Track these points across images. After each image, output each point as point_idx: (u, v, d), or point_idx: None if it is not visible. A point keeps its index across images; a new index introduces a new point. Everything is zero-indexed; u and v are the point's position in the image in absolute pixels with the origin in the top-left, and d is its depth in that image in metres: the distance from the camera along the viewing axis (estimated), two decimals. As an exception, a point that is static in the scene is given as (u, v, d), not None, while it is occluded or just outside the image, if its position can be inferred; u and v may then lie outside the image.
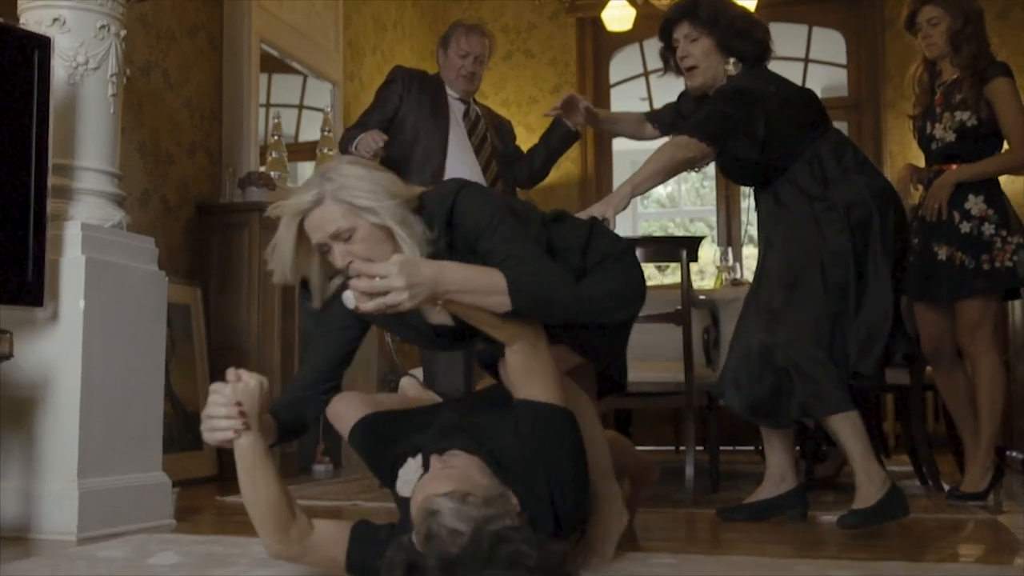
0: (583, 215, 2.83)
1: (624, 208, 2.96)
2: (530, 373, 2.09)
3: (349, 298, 2.02)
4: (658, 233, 9.69)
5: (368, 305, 1.99)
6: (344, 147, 4.03)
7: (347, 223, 2.11)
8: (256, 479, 2.02)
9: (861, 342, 3.07)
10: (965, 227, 3.75)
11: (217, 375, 4.74)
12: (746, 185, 3.15)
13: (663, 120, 3.64)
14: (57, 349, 3.08)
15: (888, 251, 3.12)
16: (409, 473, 2.15)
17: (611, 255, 2.44)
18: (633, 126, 3.75)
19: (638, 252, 3.92)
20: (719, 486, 4.13)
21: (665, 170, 3.08)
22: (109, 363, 3.17)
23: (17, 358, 2.88)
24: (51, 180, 3.02)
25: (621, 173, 8.29)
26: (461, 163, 3.95)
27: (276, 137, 5.49)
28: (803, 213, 3.19)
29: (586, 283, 2.34)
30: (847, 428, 3.00)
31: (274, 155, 5.41)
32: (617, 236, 2.63)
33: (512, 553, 1.81)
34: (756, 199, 3.45)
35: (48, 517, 3.02)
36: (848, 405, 3.00)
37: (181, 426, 4.49)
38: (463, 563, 1.80)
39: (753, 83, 3.22)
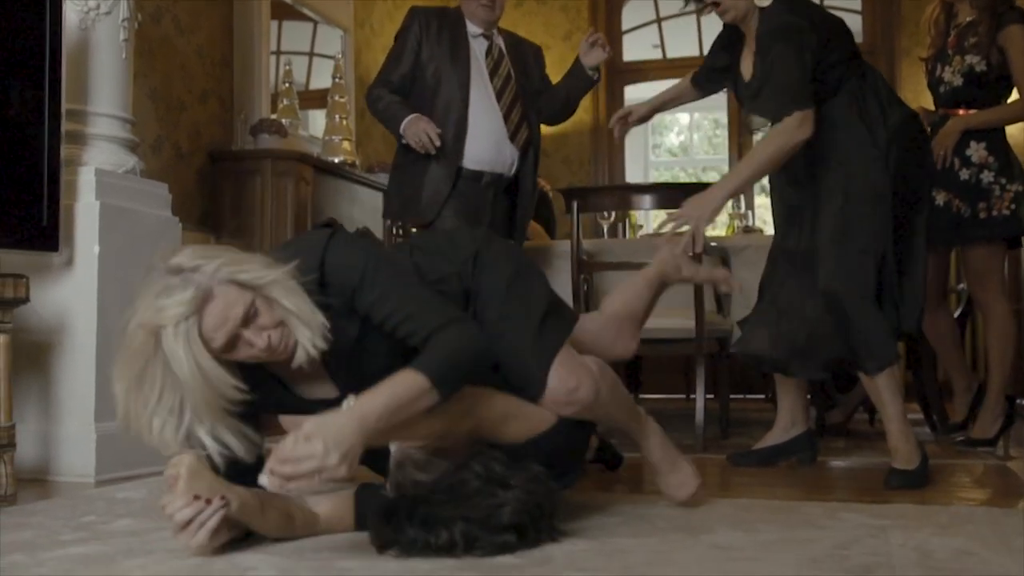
0: (669, 228, 2.86)
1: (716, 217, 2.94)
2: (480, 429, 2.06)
3: (266, 482, 1.76)
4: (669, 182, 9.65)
5: (296, 484, 1.74)
6: (374, 108, 3.90)
7: (248, 299, 1.84)
8: (267, 523, 1.96)
9: (907, 294, 2.97)
10: (964, 174, 3.72)
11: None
12: (776, 122, 2.97)
13: (700, 80, 3.44)
14: (72, 294, 3.10)
15: (925, 191, 3.05)
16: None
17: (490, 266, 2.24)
18: (683, 95, 3.51)
19: (649, 199, 3.92)
20: (729, 432, 4.16)
21: (776, 161, 2.91)
22: (124, 307, 3.16)
23: (33, 303, 2.90)
24: (65, 126, 3.03)
25: (633, 121, 8.26)
26: (483, 111, 3.84)
27: (287, 84, 5.46)
28: (842, 151, 2.98)
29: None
30: (891, 385, 2.92)
31: (285, 102, 5.39)
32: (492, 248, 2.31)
33: (484, 479, 1.86)
34: None
35: (66, 459, 3.07)
36: (895, 359, 2.92)
37: (195, 372, 4.51)
38: (433, 503, 1.85)
39: (793, 18, 2.98)
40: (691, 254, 2.81)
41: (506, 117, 3.85)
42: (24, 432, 2.98)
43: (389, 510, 1.90)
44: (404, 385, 1.83)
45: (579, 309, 3.95)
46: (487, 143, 3.82)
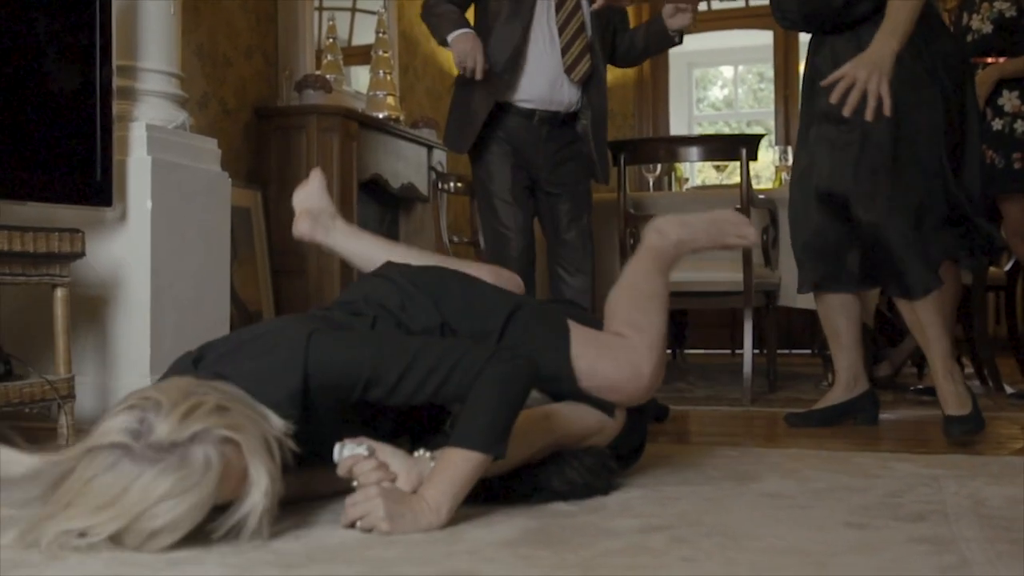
0: (848, 80, 2.61)
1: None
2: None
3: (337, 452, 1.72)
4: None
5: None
6: (429, 13, 3.60)
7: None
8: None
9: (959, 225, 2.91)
10: (997, 124, 3.64)
11: (279, 278, 4.77)
12: (819, 30, 2.83)
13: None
14: (126, 248, 3.15)
15: (974, 125, 2.94)
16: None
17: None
18: None
19: (697, 151, 3.90)
20: (776, 386, 4.16)
21: (916, 16, 2.71)
22: (177, 262, 3.24)
23: (89, 257, 2.95)
24: (116, 81, 3.06)
25: (677, 74, 8.18)
26: (543, 45, 3.55)
27: (331, 40, 5.46)
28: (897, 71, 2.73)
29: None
30: (938, 320, 2.82)
31: (329, 58, 5.39)
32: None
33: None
34: (819, 51, 3.03)
35: (123, 411, 3.12)
36: (938, 284, 2.82)
37: (244, 327, 4.57)
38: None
39: None
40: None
41: (564, 50, 3.56)
42: (82, 384, 3.04)
43: None
44: (457, 463, 1.69)
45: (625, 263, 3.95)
46: (542, 80, 3.58)
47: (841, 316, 3.15)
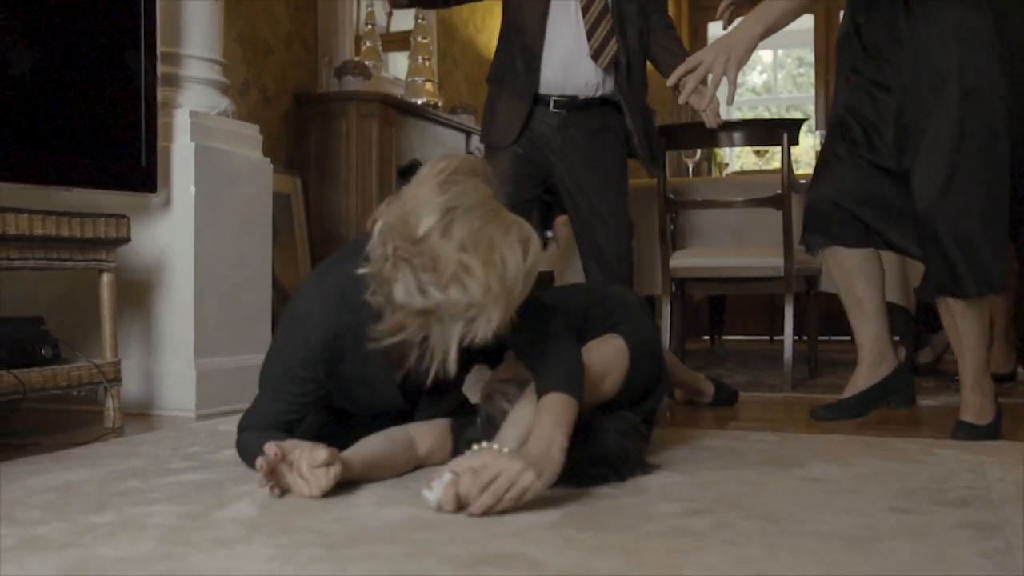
0: (691, 62, 2.45)
1: (746, 61, 2.46)
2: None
3: (430, 498, 1.71)
4: (752, 122, 9.48)
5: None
6: None
7: None
8: (376, 475, 1.98)
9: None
10: None
11: (319, 263, 4.83)
12: None
13: None
14: (171, 234, 3.19)
15: None
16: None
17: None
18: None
19: (738, 136, 3.88)
20: (817, 372, 4.13)
21: (798, 3, 2.50)
22: (220, 247, 3.27)
23: (134, 243, 2.99)
24: (159, 68, 3.09)
25: (716, 60, 8.14)
26: (563, 27, 3.36)
27: (370, 26, 5.48)
28: (949, 39, 2.48)
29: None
30: (977, 328, 2.59)
31: (368, 44, 5.41)
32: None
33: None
34: (861, 15, 2.71)
35: (168, 394, 3.17)
36: (990, 290, 2.53)
37: (285, 312, 4.61)
38: None
39: None
40: (715, 124, 2.53)
41: (590, 33, 3.33)
42: (128, 368, 3.08)
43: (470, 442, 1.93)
44: (564, 410, 1.82)
45: (666, 249, 3.94)
46: (559, 64, 3.36)
47: (861, 279, 2.80)
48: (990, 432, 2.58)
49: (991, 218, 2.52)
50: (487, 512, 1.66)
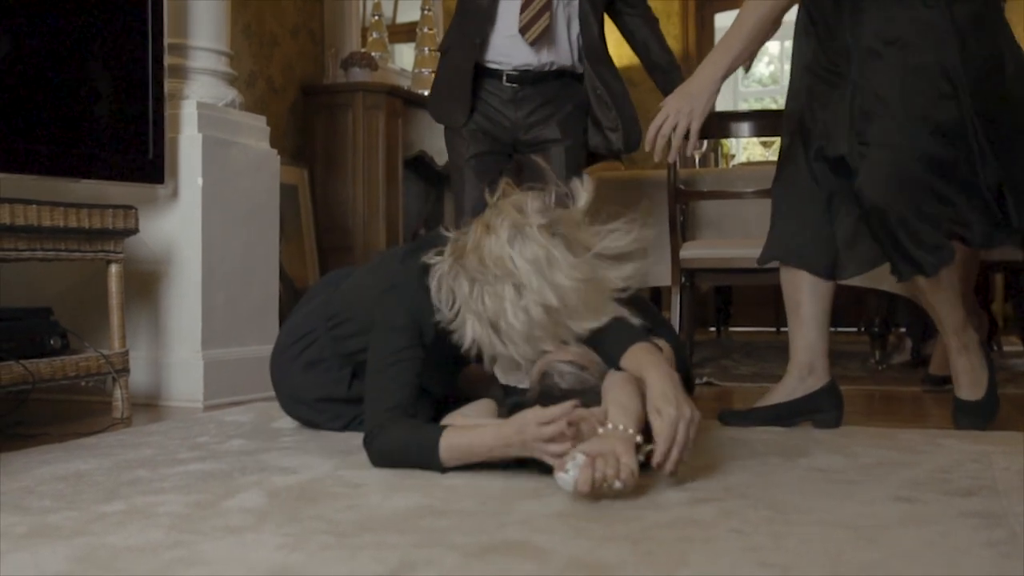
0: (658, 120, 2.40)
1: (710, 109, 2.39)
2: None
3: (567, 480, 1.72)
4: (759, 113, 9.47)
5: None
6: None
7: None
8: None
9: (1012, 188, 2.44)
10: None
11: (325, 255, 4.80)
12: None
13: None
14: (178, 225, 3.20)
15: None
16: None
17: None
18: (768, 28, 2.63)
19: (747, 127, 3.88)
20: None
21: (772, 19, 2.43)
22: (227, 238, 3.28)
23: (142, 234, 3.00)
24: (167, 59, 3.09)
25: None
26: (507, 8, 3.21)
27: (376, 17, 5.49)
28: (900, 26, 2.37)
29: None
30: (945, 294, 2.48)
31: (375, 36, 5.42)
32: None
33: None
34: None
35: (175, 385, 3.18)
36: (943, 264, 2.40)
37: (292, 304, 4.62)
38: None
39: None
40: (688, 154, 2.43)
41: (523, 7, 3.18)
42: (136, 359, 3.09)
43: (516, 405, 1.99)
44: (656, 351, 1.99)
45: (676, 240, 3.94)
46: (503, 34, 3.22)
47: (805, 292, 2.63)
48: (987, 407, 2.55)
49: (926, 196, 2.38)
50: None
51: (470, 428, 1.94)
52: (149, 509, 1.68)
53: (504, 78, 3.24)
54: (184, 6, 3.30)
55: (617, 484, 1.71)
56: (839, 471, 2.00)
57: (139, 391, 3.14)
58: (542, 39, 3.18)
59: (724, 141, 6.10)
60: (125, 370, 2.90)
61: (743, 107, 8.84)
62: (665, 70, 3.40)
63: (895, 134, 2.36)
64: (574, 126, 3.30)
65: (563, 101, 3.28)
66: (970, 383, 2.56)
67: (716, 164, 5.94)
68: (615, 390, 1.92)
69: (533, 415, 1.78)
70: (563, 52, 3.26)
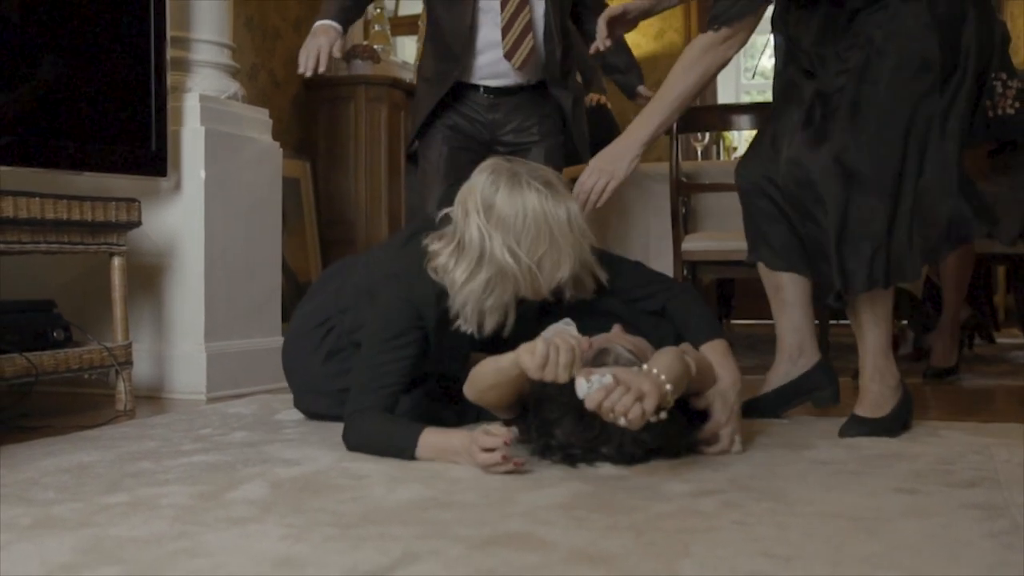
0: (581, 187, 2.43)
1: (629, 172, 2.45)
2: None
3: (584, 389, 1.82)
4: (761, 106, 9.44)
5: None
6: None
7: None
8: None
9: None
10: None
11: (328, 248, 4.80)
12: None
13: None
14: (181, 218, 3.20)
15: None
16: (562, 330, 2.14)
17: None
18: None
19: (749, 119, 3.88)
20: (828, 356, 4.12)
21: (702, 87, 2.46)
22: (230, 231, 3.28)
23: (145, 227, 3.00)
24: (169, 52, 3.09)
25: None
26: (491, 16, 3.11)
27: (378, 10, 5.48)
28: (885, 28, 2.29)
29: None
30: (873, 310, 2.39)
31: (377, 28, 5.41)
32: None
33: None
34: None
35: (178, 377, 3.19)
36: (872, 286, 2.29)
37: (294, 297, 4.62)
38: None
39: None
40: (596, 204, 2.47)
41: (504, 31, 3.08)
42: (139, 351, 3.10)
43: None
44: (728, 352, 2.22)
45: (679, 232, 3.94)
46: (489, 54, 3.11)
47: (784, 276, 2.62)
48: (884, 427, 2.32)
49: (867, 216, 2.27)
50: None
51: (440, 433, 2.01)
52: (153, 501, 1.69)
53: (481, 90, 3.17)
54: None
55: (622, 421, 1.76)
56: (841, 463, 2.01)
57: (142, 383, 3.14)
58: (528, 62, 3.10)
59: (726, 134, 6.11)
60: (128, 362, 2.91)
61: (744, 99, 8.84)
62: (623, 71, 3.41)
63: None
64: (552, 127, 3.25)
65: (541, 104, 3.22)
66: (871, 406, 2.36)
67: (718, 156, 5.94)
68: (669, 355, 1.94)
69: (481, 439, 1.87)
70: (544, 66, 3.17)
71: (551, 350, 1.83)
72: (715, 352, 2.18)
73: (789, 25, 2.58)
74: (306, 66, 2.93)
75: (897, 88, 2.26)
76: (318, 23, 3.02)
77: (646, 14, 2.88)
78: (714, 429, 2.08)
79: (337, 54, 3.00)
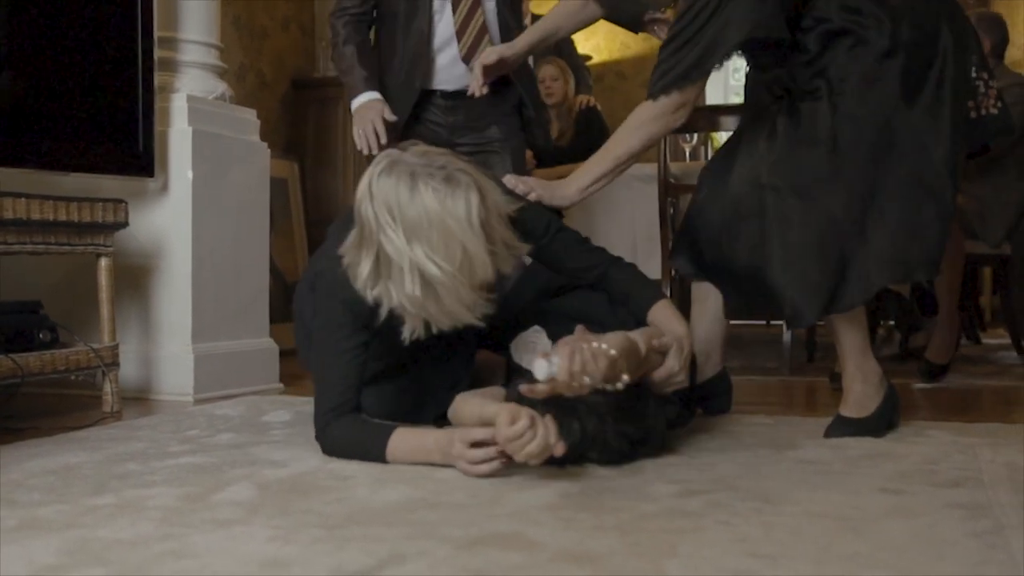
0: (513, 184, 2.33)
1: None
2: None
3: (546, 366, 1.84)
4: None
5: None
6: (334, 54, 3.20)
7: None
8: None
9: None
10: None
11: (315, 247, 4.82)
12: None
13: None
14: (168, 219, 3.19)
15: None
16: (532, 337, 2.19)
17: None
18: (571, 21, 2.85)
19: (732, 120, 3.88)
20: (814, 356, 4.15)
21: (646, 148, 2.41)
22: (217, 232, 3.28)
23: (132, 227, 2.99)
24: (157, 53, 3.09)
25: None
26: (447, 21, 3.10)
27: (366, 11, 5.48)
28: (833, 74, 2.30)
29: None
30: (847, 315, 2.36)
31: (365, 29, 5.41)
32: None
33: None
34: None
35: (166, 379, 3.18)
36: (818, 316, 2.30)
37: (282, 297, 4.62)
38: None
39: None
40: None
41: (459, 34, 3.08)
42: (126, 352, 3.09)
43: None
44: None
45: (666, 233, 3.94)
46: (447, 58, 3.12)
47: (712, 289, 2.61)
48: (868, 427, 2.32)
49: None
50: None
51: (413, 433, 2.00)
52: (139, 502, 1.69)
53: (438, 94, 3.16)
54: (174, -1, 3.30)
55: (587, 379, 1.81)
56: (826, 463, 2.02)
57: (129, 385, 3.13)
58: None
59: (714, 135, 6.10)
60: (115, 364, 2.90)
61: (733, 100, 8.84)
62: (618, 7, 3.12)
63: None
64: (512, 127, 3.23)
65: (500, 103, 3.18)
66: (855, 406, 2.36)
67: (707, 157, 5.93)
68: (616, 334, 1.93)
69: (461, 435, 1.87)
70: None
71: (528, 432, 1.78)
72: (664, 310, 2.19)
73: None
74: (370, 146, 3.00)
75: (864, 108, 2.26)
76: (356, 103, 3.07)
77: (525, 56, 2.96)
78: (669, 371, 2.05)
79: (391, 118, 3.02)
